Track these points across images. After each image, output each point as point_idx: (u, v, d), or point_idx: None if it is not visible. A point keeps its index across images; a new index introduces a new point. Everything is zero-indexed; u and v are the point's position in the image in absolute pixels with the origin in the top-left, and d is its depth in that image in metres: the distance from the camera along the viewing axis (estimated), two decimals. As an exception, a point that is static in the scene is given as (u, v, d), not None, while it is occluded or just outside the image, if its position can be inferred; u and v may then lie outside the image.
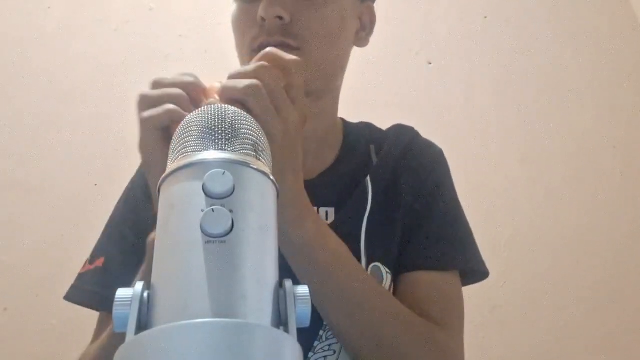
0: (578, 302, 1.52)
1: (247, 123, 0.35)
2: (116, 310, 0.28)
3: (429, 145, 0.78)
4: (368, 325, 0.56)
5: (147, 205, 0.69)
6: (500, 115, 1.72)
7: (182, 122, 0.35)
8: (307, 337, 0.61)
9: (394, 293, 0.65)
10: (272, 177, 0.33)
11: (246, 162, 0.32)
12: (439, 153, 0.77)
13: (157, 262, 0.30)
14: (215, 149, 0.32)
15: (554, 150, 1.69)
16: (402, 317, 0.59)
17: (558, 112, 1.74)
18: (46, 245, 1.43)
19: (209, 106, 0.35)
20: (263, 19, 0.61)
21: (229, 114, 0.34)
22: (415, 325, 0.59)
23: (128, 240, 0.69)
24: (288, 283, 0.30)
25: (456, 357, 0.63)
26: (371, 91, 1.64)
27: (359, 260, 0.64)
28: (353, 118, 0.82)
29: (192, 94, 0.45)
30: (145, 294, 0.29)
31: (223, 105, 0.35)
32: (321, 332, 0.61)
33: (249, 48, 0.64)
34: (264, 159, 0.34)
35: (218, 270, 0.28)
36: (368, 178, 0.70)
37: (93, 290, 0.67)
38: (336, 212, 0.68)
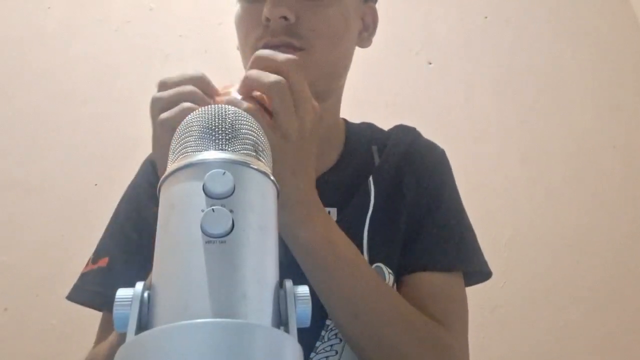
0: (578, 302, 1.52)
1: (248, 123, 0.35)
2: (116, 310, 0.28)
3: (431, 145, 0.78)
4: (374, 325, 0.56)
5: (150, 205, 0.69)
6: (500, 115, 1.72)
7: (182, 123, 0.35)
8: (309, 338, 0.61)
9: None
10: (272, 177, 0.33)
11: (246, 162, 0.32)
12: (441, 154, 0.77)
13: (158, 262, 0.30)
14: (215, 149, 0.32)
15: (554, 150, 1.69)
16: (408, 318, 0.59)
17: (558, 112, 1.74)
18: (46, 245, 1.43)
19: (209, 106, 0.35)
20: (268, 19, 0.61)
21: (229, 114, 0.34)
22: (421, 326, 0.59)
23: (132, 240, 0.69)
24: (288, 283, 0.30)
25: (460, 358, 0.63)
26: (371, 91, 1.64)
27: None
28: (353, 118, 0.82)
29: (202, 88, 0.45)
30: (146, 294, 0.29)
31: (223, 105, 0.35)
32: (323, 333, 0.61)
33: (253, 48, 0.64)
34: (264, 159, 0.34)
35: (218, 270, 0.28)
36: (370, 178, 0.70)
37: (97, 290, 0.67)
38: (338, 213, 0.68)
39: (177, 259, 0.29)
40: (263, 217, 0.31)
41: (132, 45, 1.67)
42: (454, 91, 1.73)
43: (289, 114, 0.45)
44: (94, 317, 0.70)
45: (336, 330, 0.62)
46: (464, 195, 0.75)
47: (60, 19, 1.68)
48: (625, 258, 1.58)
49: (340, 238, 0.56)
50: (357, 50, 0.74)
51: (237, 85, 0.48)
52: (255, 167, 0.32)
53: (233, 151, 0.32)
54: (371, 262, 0.64)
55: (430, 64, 1.77)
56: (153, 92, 0.48)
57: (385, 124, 0.81)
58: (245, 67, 0.69)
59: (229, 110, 0.35)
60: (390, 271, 0.65)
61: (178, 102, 0.44)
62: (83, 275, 0.70)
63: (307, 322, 0.29)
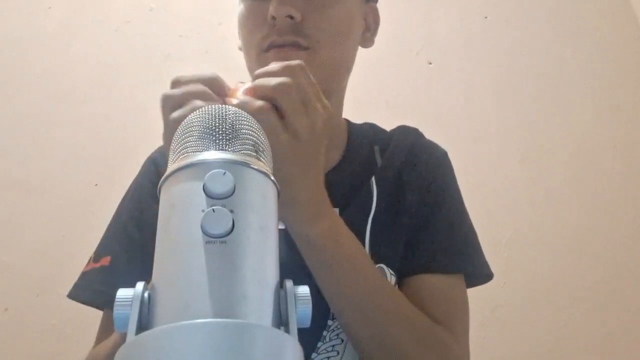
0: (578, 302, 1.52)
1: (248, 123, 0.35)
2: (117, 310, 0.28)
3: (434, 146, 0.78)
4: (379, 324, 0.56)
5: (153, 205, 0.69)
6: (500, 115, 1.72)
7: (183, 123, 0.35)
8: (310, 338, 0.61)
9: None
10: (272, 178, 0.33)
11: (247, 162, 0.32)
12: (444, 155, 0.77)
13: (158, 262, 0.30)
14: (215, 149, 0.32)
15: (554, 150, 1.69)
16: (412, 319, 0.59)
17: (558, 112, 1.74)
18: (46, 245, 1.43)
19: (210, 106, 0.35)
20: (274, 18, 0.61)
21: (229, 114, 0.34)
22: (424, 327, 0.59)
23: (134, 240, 0.69)
24: (289, 283, 0.30)
25: (462, 359, 0.63)
26: (372, 91, 1.64)
27: None
28: (353, 118, 0.82)
29: (215, 89, 0.45)
30: (146, 294, 0.29)
31: (224, 105, 0.35)
32: (325, 333, 0.61)
33: (258, 47, 0.64)
34: (264, 159, 0.34)
35: (219, 271, 0.28)
36: (373, 179, 0.70)
37: (98, 289, 0.67)
38: (340, 213, 0.68)
39: (178, 259, 0.29)
40: (263, 217, 0.31)
41: (132, 45, 1.67)
42: (454, 91, 1.73)
43: (299, 113, 0.45)
44: (94, 317, 0.70)
45: (338, 331, 0.62)
46: (464, 195, 0.75)
47: (60, 19, 1.68)
48: (626, 258, 1.58)
49: (348, 237, 0.57)
50: (358, 50, 0.74)
51: (246, 85, 0.48)
52: (256, 167, 0.32)
53: (233, 151, 0.32)
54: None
55: (430, 64, 1.77)
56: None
57: (386, 124, 0.81)
58: (248, 66, 0.69)
59: (229, 111, 0.35)
60: (392, 272, 0.65)
61: (188, 100, 0.44)
62: (84, 274, 0.70)
63: (307, 323, 0.29)
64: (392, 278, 0.65)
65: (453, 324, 0.63)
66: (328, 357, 0.61)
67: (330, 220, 0.54)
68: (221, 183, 0.30)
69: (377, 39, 0.76)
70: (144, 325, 0.28)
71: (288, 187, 0.49)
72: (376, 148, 0.75)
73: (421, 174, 0.72)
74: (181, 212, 0.30)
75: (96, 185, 1.50)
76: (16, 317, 1.37)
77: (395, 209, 0.69)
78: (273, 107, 0.46)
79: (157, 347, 0.24)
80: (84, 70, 1.63)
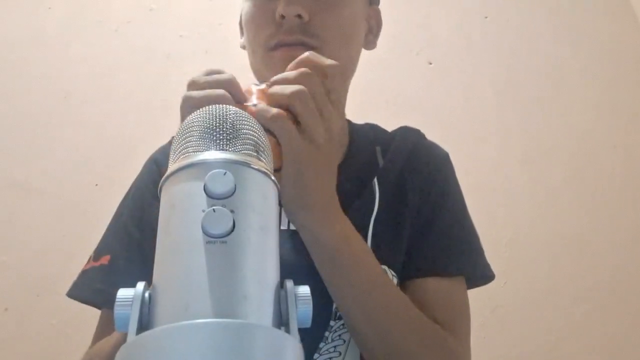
0: (578, 302, 1.51)
1: (248, 123, 0.35)
2: (117, 310, 0.28)
3: (435, 148, 0.78)
4: (384, 326, 0.57)
5: (154, 204, 0.69)
6: (500, 115, 1.72)
7: (183, 123, 0.35)
8: (312, 339, 0.61)
9: None
10: (273, 177, 0.33)
11: (247, 162, 0.32)
12: (445, 156, 0.77)
13: (158, 262, 0.30)
14: (216, 149, 0.32)
15: (554, 150, 1.69)
16: (416, 320, 0.59)
17: (558, 112, 1.74)
18: (47, 246, 1.42)
19: (210, 106, 0.35)
20: (282, 17, 0.62)
21: (230, 114, 0.34)
22: (428, 329, 0.60)
23: (134, 239, 0.69)
24: (289, 283, 0.30)
25: None
26: (372, 91, 1.64)
27: None
28: (354, 118, 0.82)
29: (233, 92, 0.46)
30: (147, 294, 0.29)
31: (224, 105, 0.35)
32: (327, 334, 0.61)
33: (265, 45, 0.64)
34: (265, 159, 0.34)
35: (219, 271, 0.28)
36: (375, 180, 0.70)
37: (98, 287, 0.67)
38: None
39: (178, 259, 0.29)
40: (264, 218, 0.31)
41: (132, 46, 1.67)
42: (454, 91, 1.73)
43: (314, 118, 0.46)
44: (94, 317, 0.70)
45: (340, 332, 0.62)
46: (465, 196, 0.75)
47: (60, 19, 1.68)
48: (626, 258, 1.58)
49: (357, 239, 0.57)
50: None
51: (260, 86, 0.49)
52: (256, 167, 0.32)
53: (234, 151, 0.32)
54: None
55: (430, 64, 1.77)
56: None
57: (386, 124, 0.81)
58: (252, 64, 0.69)
59: (229, 111, 0.35)
60: (394, 274, 0.65)
61: (208, 103, 0.44)
62: (84, 272, 0.70)
63: (308, 323, 0.29)
64: (394, 280, 0.65)
65: (455, 326, 0.63)
66: (330, 358, 0.61)
67: (342, 223, 0.55)
68: (222, 183, 0.30)
69: (378, 39, 0.76)
70: (144, 325, 0.28)
71: (305, 192, 0.49)
72: (378, 149, 0.75)
73: (423, 176, 0.72)
74: (182, 212, 0.30)
75: (96, 185, 1.50)
76: (16, 317, 1.37)
77: (397, 210, 0.69)
78: (289, 113, 0.46)
79: (158, 347, 0.24)
80: (84, 70, 1.63)
